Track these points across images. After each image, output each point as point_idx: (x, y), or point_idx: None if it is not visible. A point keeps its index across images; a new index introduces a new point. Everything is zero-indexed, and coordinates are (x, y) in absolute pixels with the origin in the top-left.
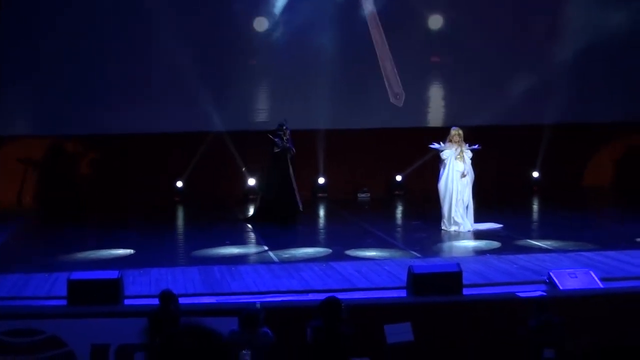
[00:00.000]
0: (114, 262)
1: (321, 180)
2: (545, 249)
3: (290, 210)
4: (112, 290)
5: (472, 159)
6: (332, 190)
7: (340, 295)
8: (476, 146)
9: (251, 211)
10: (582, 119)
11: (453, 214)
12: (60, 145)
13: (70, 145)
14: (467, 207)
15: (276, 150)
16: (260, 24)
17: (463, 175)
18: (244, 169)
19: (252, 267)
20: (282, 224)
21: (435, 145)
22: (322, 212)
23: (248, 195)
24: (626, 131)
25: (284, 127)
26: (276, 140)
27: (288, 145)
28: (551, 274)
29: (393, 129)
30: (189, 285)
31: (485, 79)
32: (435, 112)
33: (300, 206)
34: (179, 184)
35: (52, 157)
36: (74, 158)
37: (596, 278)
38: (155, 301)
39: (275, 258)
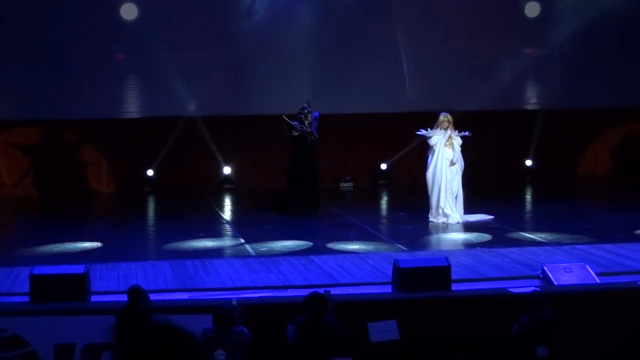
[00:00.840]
0: (79, 256)
1: None
2: (539, 241)
3: (308, 201)
4: (77, 286)
5: (461, 146)
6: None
7: (321, 291)
8: (466, 132)
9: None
10: (577, 104)
11: (442, 205)
12: (24, 131)
13: (34, 131)
14: (456, 197)
15: (295, 134)
16: (240, 7)
17: (452, 164)
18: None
19: (228, 262)
20: (298, 215)
21: (423, 132)
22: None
23: (223, 184)
24: (624, 117)
25: (306, 110)
26: (294, 123)
27: (309, 129)
28: (545, 268)
29: (378, 115)
30: (160, 281)
31: (476, 62)
32: (423, 97)
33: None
34: (150, 172)
35: (16, 144)
36: (40, 145)
37: (592, 273)
38: (124, 298)
39: (252, 252)
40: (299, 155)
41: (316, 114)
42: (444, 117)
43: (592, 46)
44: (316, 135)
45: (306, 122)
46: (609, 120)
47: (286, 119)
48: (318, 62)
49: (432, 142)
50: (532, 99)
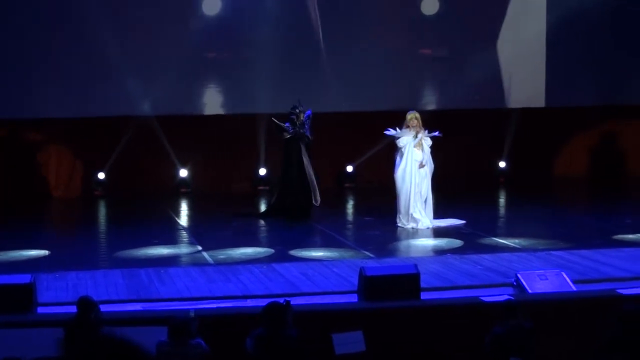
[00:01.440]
0: (25, 265)
1: (262, 171)
2: (513, 247)
3: (302, 205)
4: (23, 297)
5: (431, 147)
6: (274, 182)
7: (282, 301)
8: (436, 133)
9: (262, 206)
10: (553, 103)
11: (410, 209)
12: None
13: None
14: (425, 201)
15: (286, 136)
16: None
17: (421, 166)
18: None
19: (184, 270)
20: (293, 220)
21: (391, 132)
22: (262, 207)
23: (179, 188)
24: (601, 116)
25: (297, 110)
26: (285, 125)
27: (302, 130)
28: (519, 275)
29: (343, 114)
30: (111, 291)
31: (446, 58)
32: (391, 95)
33: (317, 200)
34: (101, 175)
35: None
36: None
37: (569, 280)
38: (73, 309)
39: (210, 259)
40: (291, 159)
41: (309, 112)
42: (412, 115)
43: (567, 43)
44: (310, 137)
45: (298, 122)
46: (586, 119)
47: (276, 121)
48: (280, 58)
49: (400, 143)
50: (505, 98)
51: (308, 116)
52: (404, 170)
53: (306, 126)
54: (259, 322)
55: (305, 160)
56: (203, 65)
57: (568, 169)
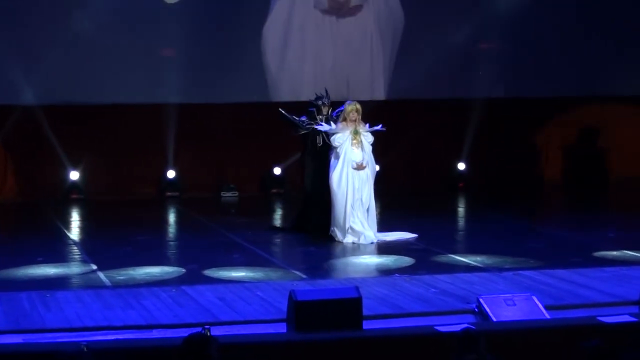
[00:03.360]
0: None
1: (171, 174)
2: (474, 266)
3: (327, 216)
4: None
5: (373, 145)
6: (185, 187)
7: (200, 331)
8: (379, 127)
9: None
10: (522, 93)
11: (348, 221)
12: None
13: None
14: (367, 210)
15: (300, 132)
16: None
17: (360, 167)
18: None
19: (75, 294)
20: (316, 233)
21: (324, 127)
22: (172, 217)
23: (69, 194)
24: (578, 108)
25: (321, 102)
26: (301, 119)
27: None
28: (481, 300)
29: (271, 105)
30: None
31: (396, 39)
32: (330, 83)
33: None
34: None
35: None
36: None
37: (540, 306)
38: None
39: (106, 281)
40: (309, 162)
41: (342, 107)
42: (352, 107)
43: (542, 20)
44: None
45: (319, 117)
46: (561, 112)
47: (284, 113)
48: (190, 40)
49: (335, 142)
50: (466, 86)
51: (340, 112)
52: (340, 173)
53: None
54: (175, 357)
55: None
56: (97, 48)
57: (540, 172)
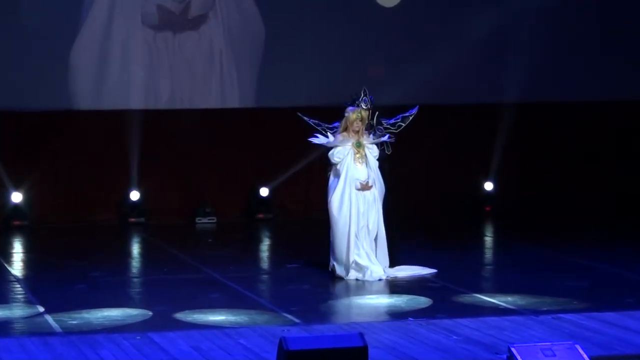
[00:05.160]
0: None
1: (135, 196)
2: (504, 308)
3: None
4: None
5: (382, 160)
6: (153, 211)
7: None
8: (385, 137)
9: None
10: (564, 96)
11: (353, 253)
12: None
13: None
14: (375, 239)
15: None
16: None
17: (366, 187)
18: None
19: (18, 342)
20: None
21: (320, 140)
22: (136, 248)
23: (11, 220)
24: (623, 114)
25: (357, 103)
26: (333, 125)
27: (379, 141)
28: (513, 350)
29: (256, 111)
30: None
31: (409, 35)
32: (326, 85)
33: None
34: None
35: None
36: None
37: (586, 357)
38: None
39: (56, 326)
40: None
41: (413, 110)
42: (356, 114)
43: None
44: (388, 149)
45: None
46: (608, 119)
47: (304, 118)
48: (159, 37)
49: (335, 157)
50: (495, 89)
51: (400, 120)
52: (342, 195)
53: (376, 134)
54: None
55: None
56: (41, 47)
57: (584, 192)
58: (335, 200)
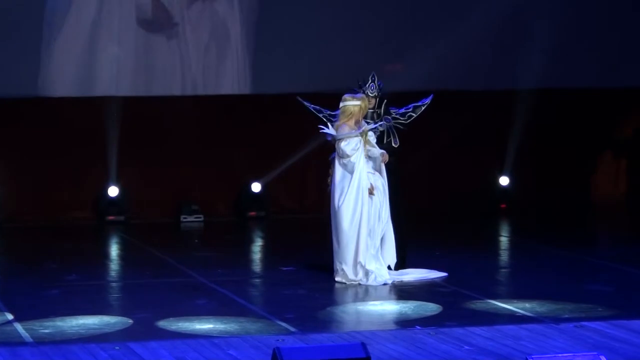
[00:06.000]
0: None
1: (113, 192)
2: (521, 316)
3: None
4: None
5: (390, 154)
6: (133, 209)
7: None
8: (381, 123)
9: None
10: (585, 82)
11: (360, 256)
12: None
13: None
14: (382, 239)
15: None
16: None
17: (371, 191)
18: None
19: None
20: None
21: (331, 131)
22: (114, 250)
23: None
24: None
25: (364, 91)
26: (336, 113)
27: (374, 128)
28: None
29: (249, 98)
30: None
31: (418, 17)
32: (332, 71)
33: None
34: None
35: None
36: None
37: None
38: None
39: (26, 335)
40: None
41: (426, 99)
42: (360, 102)
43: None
44: (395, 141)
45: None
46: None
47: (305, 103)
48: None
49: (349, 151)
50: (509, 74)
51: (412, 110)
52: (357, 193)
53: (383, 122)
54: None
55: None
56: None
57: (609, 188)
58: (350, 199)
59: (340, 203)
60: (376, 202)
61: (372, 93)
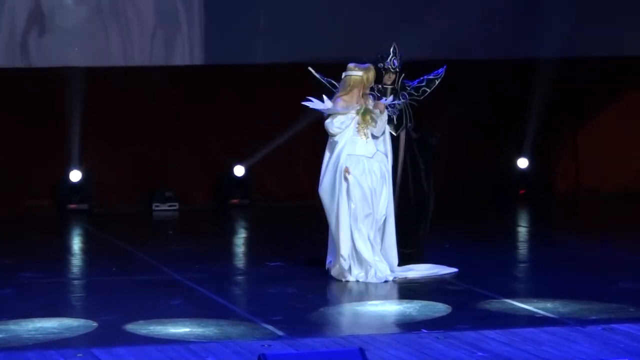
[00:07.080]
0: None
1: (75, 177)
2: (542, 317)
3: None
4: None
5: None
6: (98, 196)
7: None
8: (394, 100)
9: None
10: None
11: (357, 246)
12: None
13: None
14: (382, 228)
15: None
16: None
17: (345, 175)
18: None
19: None
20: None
21: (317, 105)
22: (77, 242)
23: None
24: None
25: (383, 65)
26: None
27: (392, 104)
28: None
29: (230, 69)
30: None
31: None
32: (336, 39)
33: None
34: None
35: None
36: None
37: None
38: None
39: None
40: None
41: (439, 71)
42: (363, 74)
43: None
44: (409, 123)
45: (380, 88)
46: None
47: (317, 75)
48: None
49: (334, 128)
50: (528, 42)
51: (425, 84)
52: (333, 177)
53: (399, 99)
54: None
55: (401, 156)
56: None
57: (630, 179)
58: (326, 184)
59: (320, 190)
60: (365, 187)
61: (393, 68)
